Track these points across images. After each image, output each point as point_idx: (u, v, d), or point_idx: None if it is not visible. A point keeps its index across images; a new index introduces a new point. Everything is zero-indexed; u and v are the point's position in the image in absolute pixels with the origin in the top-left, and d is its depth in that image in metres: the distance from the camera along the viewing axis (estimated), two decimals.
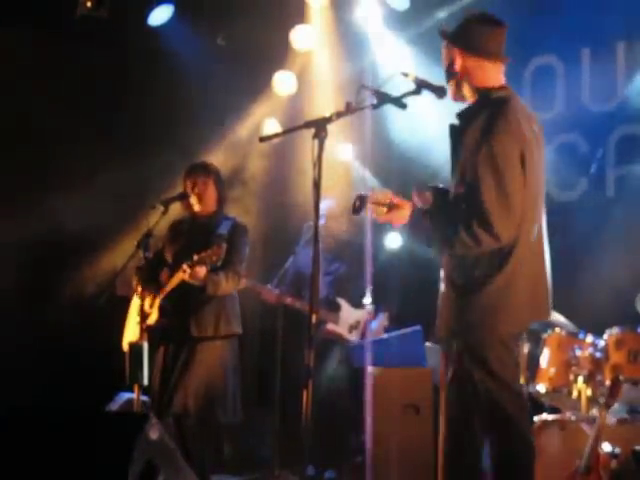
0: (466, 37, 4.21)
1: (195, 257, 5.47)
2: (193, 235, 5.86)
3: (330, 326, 7.12)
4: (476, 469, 4.25)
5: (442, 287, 4.24)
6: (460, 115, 4.26)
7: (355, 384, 6.72)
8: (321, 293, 6.77)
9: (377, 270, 7.48)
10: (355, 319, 7.20)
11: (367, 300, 7.20)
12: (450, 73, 4.25)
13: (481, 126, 4.09)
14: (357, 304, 7.22)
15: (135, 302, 5.75)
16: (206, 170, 5.97)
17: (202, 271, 5.52)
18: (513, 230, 4.04)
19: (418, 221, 4.10)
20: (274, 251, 7.70)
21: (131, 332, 5.73)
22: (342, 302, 7.21)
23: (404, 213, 4.10)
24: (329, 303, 7.12)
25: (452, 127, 4.30)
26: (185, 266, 5.50)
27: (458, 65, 4.21)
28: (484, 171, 4.00)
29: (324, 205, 7.09)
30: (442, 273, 4.25)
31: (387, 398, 6.05)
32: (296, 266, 7.13)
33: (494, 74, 4.24)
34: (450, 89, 4.25)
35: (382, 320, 7.28)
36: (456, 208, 4.09)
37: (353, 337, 7.17)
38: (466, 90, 4.25)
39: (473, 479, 4.25)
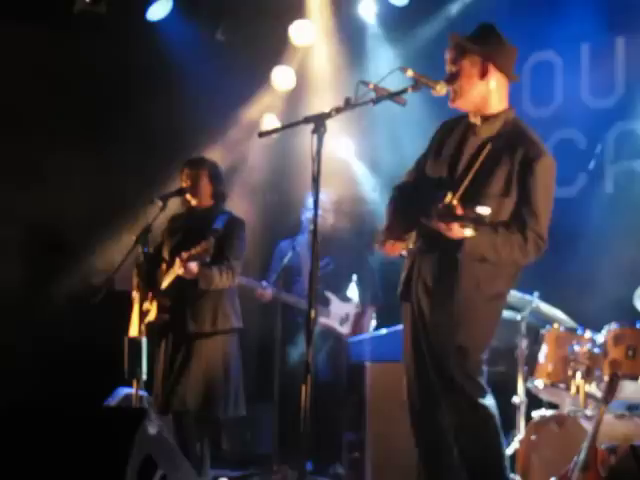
0: (501, 55, 4.33)
1: (185, 253, 5.48)
2: (189, 230, 5.85)
3: (322, 320, 7.16)
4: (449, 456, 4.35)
5: (454, 289, 4.23)
6: (481, 127, 4.34)
7: (350, 379, 6.74)
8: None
9: (375, 266, 7.51)
10: (345, 312, 7.29)
11: (353, 293, 7.27)
12: (453, 75, 4.28)
13: (530, 145, 4.23)
14: (345, 299, 7.28)
15: (137, 298, 5.74)
16: (199, 164, 5.95)
17: (194, 266, 5.53)
18: None
19: (477, 237, 4.03)
20: (272, 247, 7.70)
21: (134, 328, 5.73)
22: (331, 296, 7.25)
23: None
24: (319, 297, 7.14)
25: (472, 128, 4.38)
26: (178, 262, 5.51)
27: (487, 78, 4.29)
28: (543, 189, 4.19)
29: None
30: (451, 274, 4.25)
31: (385, 393, 6.05)
32: (289, 260, 7.18)
33: (505, 93, 4.37)
34: (456, 93, 4.27)
35: (371, 313, 7.34)
36: (503, 223, 4.16)
37: (345, 330, 7.24)
38: (471, 99, 4.30)
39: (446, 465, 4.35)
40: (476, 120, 4.36)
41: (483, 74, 4.28)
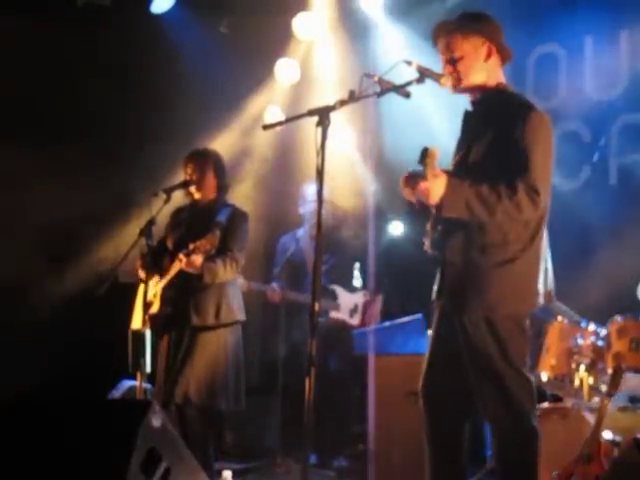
0: (499, 35, 4.33)
1: (190, 246, 5.48)
2: (193, 223, 5.86)
3: (333, 314, 7.19)
4: (460, 456, 4.31)
5: (460, 257, 4.18)
6: (477, 102, 4.33)
7: (356, 370, 6.75)
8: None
9: (377, 258, 7.51)
10: (353, 303, 7.31)
11: (357, 283, 7.29)
12: (456, 61, 4.27)
13: (518, 105, 4.20)
14: (352, 289, 7.30)
15: (141, 290, 5.75)
16: (203, 156, 5.95)
17: (198, 260, 5.52)
18: (546, 202, 4.13)
19: (458, 188, 4.03)
20: (275, 239, 7.70)
21: (137, 320, 5.74)
22: (337, 289, 7.26)
23: (441, 182, 4.03)
24: (326, 292, 7.16)
25: (468, 113, 4.37)
26: (181, 255, 5.51)
27: (490, 59, 4.28)
28: (534, 141, 4.07)
29: (312, 191, 7.12)
30: (457, 244, 4.19)
31: (389, 386, 6.06)
32: (293, 255, 7.20)
33: (500, 72, 4.36)
34: (459, 78, 4.27)
35: (379, 303, 7.35)
36: (492, 178, 4.06)
37: (355, 321, 7.25)
38: (474, 81, 4.29)
39: (457, 465, 4.30)
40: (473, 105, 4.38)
41: (488, 56, 4.28)
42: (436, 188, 4.02)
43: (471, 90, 4.33)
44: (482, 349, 4.12)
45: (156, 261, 5.75)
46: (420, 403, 4.34)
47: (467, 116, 4.38)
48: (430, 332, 4.46)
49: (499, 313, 4.13)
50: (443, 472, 4.29)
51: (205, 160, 5.91)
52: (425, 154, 4.04)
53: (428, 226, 4.26)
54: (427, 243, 4.27)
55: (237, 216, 5.86)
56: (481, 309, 4.12)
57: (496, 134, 4.16)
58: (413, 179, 4.18)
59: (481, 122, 4.26)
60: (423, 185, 4.05)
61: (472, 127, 4.30)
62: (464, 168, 4.19)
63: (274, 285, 7.14)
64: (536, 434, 4.20)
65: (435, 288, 4.36)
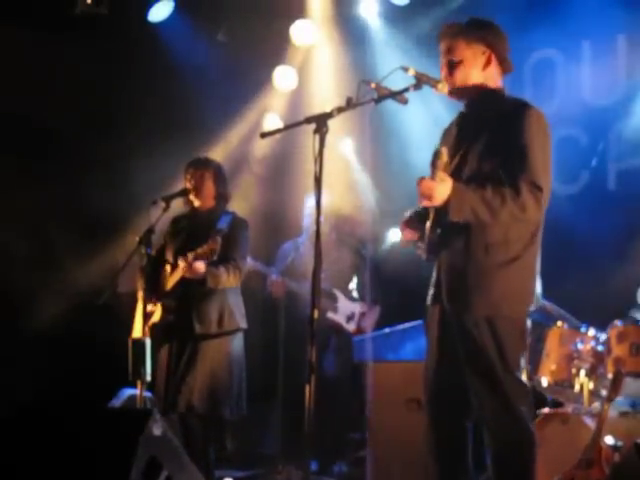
0: (502, 44, 4.33)
1: (191, 253, 5.48)
2: (193, 231, 5.85)
3: (330, 315, 7.21)
4: (465, 458, 4.29)
5: (463, 258, 4.17)
6: (471, 104, 4.33)
7: (356, 376, 6.75)
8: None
9: (377, 264, 7.52)
10: (351, 310, 7.33)
11: (355, 294, 7.33)
12: (455, 65, 4.27)
13: (514, 103, 4.22)
14: (351, 298, 7.37)
15: (141, 299, 5.74)
16: (203, 164, 5.95)
17: (201, 266, 5.52)
18: (547, 199, 4.12)
19: (463, 193, 4.04)
20: (273, 247, 7.71)
21: (137, 329, 5.73)
22: (338, 293, 7.28)
23: (447, 186, 4.04)
24: (327, 294, 7.17)
25: (462, 114, 4.36)
26: (183, 262, 5.50)
27: (488, 68, 4.29)
28: (533, 137, 4.09)
29: (310, 203, 7.14)
30: (459, 246, 4.18)
31: (389, 392, 6.05)
32: (293, 261, 7.22)
33: (500, 82, 4.36)
34: (456, 84, 4.27)
35: (376, 313, 7.36)
36: (493, 178, 4.08)
37: (350, 327, 7.27)
38: (473, 90, 4.29)
39: (462, 468, 4.29)
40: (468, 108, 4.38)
41: (487, 64, 4.28)
42: (442, 191, 4.03)
43: (466, 93, 4.32)
44: (481, 351, 4.12)
45: (155, 270, 5.75)
46: (424, 408, 4.33)
47: (461, 118, 4.38)
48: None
49: (501, 313, 4.12)
50: (450, 474, 4.29)
51: (205, 168, 5.91)
52: (437, 155, 4.09)
53: (426, 230, 4.25)
54: (423, 247, 4.27)
55: (238, 224, 5.86)
56: (484, 308, 4.12)
57: (494, 133, 4.16)
58: (413, 222, 4.28)
59: (478, 122, 4.25)
60: (428, 184, 4.05)
61: (468, 128, 4.30)
62: (464, 170, 4.19)
63: (274, 272, 7.16)
64: (533, 438, 4.16)
65: (431, 292, 4.36)
